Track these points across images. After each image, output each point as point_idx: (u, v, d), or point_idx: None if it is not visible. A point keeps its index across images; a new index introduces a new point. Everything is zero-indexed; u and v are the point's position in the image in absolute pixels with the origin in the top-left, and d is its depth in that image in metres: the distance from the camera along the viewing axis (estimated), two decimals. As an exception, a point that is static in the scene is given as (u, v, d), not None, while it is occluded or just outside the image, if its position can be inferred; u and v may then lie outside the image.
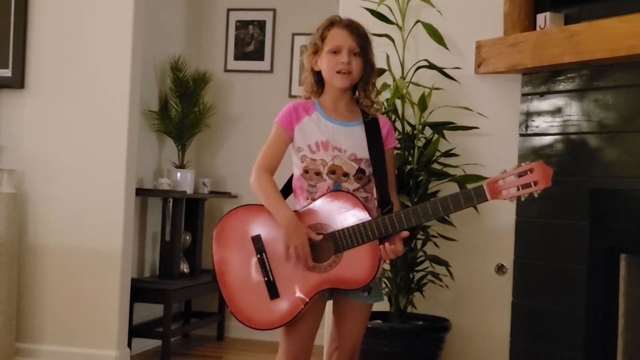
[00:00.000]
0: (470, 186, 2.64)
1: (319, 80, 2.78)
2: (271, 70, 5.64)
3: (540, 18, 3.44)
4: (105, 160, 4.39)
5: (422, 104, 3.53)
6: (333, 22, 2.75)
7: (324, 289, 2.61)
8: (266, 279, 2.62)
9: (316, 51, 2.75)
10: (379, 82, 3.21)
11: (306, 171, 2.70)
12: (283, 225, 2.60)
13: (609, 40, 3.03)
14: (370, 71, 2.75)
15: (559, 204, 3.35)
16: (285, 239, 2.60)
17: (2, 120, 4.51)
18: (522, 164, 2.53)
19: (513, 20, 3.56)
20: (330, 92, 2.76)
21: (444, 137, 3.58)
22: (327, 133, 2.70)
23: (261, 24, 5.65)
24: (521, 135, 3.56)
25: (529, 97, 3.54)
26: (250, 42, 5.67)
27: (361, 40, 2.72)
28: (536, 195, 2.51)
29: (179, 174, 5.15)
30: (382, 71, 3.43)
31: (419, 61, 3.62)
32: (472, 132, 3.62)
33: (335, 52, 2.70)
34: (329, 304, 2.79)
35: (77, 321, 4.39)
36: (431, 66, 3.59)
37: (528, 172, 2.50)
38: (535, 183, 2.49)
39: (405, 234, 2.60)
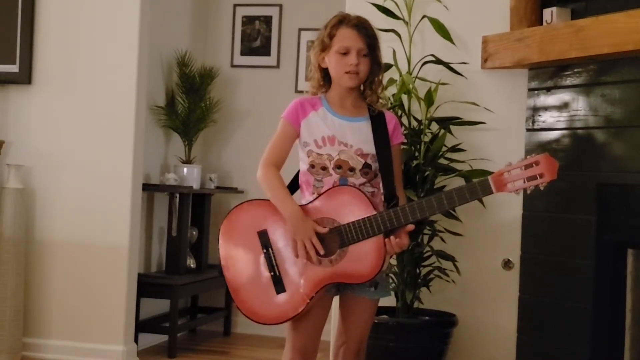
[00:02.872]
0: (475, 180, 2.64)
1: (325, 77, 2.77)
2: (277, 66, 5.64)
3: (547, 13, 3.44)
4: (112, 156, 4.41)
5: (429, 99, 3.53)
6: (342, 20, 2.72)
7: (329, 284, 2.61)
8: (272, 273, 2.62)
9: (324, 49, 2.73)
10: (386, 77, 3.20)
11: (312, 166, 2.70)
12: (289, 220, 2.60)
13: (616, 35, 3.02)
14: (377, 69, 2.74)
15: (566, 199, 3.34)
16: (292, 233, 2.59)
17: (9, 116, 4.52)
18: (528, 156, 2.52)
19: (520, 15, 3.55)
20: (337, 89, 2.75)
21: (450, 132, 3.58)
22: (333, 128, 2.70)
23: (267, 20, 5.66)
24: (528, 130, 3.56)
25: (536, 92, 3.54)
26: (256, 38, 5.68)
27: (370, 40, 2.70)
28: (542, 188, 2.50)
29: (185, 169, 5.16)
30: (388, 66, 3.43)
31: (426, 56, 3.62)
32: (478, 127, 3.62)
33: (344, 53, 2.68)
34: (336, 299, 2.79)
35: (84, 316, 4.40)
36: (438, 61, 3.59)
37: (534, 164, 2.48)
38: (541, 175, 2.48)
39: (411, 227, 2.59)
